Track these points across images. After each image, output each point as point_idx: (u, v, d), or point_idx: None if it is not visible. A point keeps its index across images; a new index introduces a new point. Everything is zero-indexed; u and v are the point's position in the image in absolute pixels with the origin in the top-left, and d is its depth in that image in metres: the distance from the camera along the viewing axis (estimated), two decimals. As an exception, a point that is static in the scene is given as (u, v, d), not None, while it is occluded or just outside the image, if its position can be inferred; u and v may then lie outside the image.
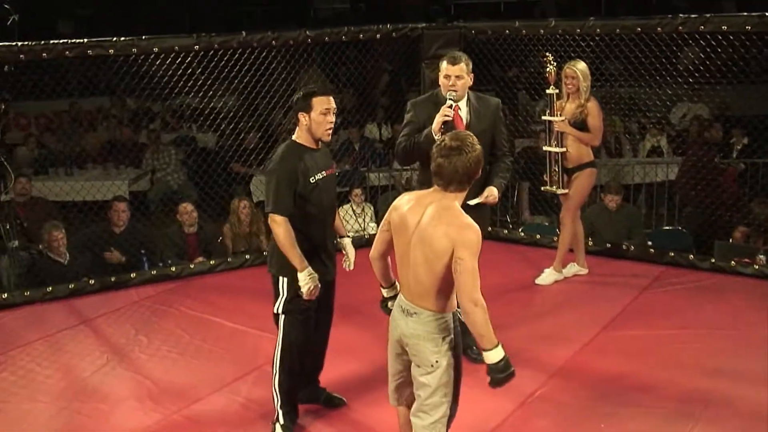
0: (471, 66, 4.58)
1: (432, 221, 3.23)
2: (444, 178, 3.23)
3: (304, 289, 3.92)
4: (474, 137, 3.29)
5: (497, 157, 4.68)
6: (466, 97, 4.59)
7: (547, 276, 6.05)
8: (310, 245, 3.99)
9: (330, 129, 3.99)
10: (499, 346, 3.21)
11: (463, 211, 3.25)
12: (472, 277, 3.14)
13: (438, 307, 3.28)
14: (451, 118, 4.40)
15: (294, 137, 4.02)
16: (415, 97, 5.05)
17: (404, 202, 3.38)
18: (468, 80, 4.55)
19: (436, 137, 4.32)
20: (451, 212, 3.23)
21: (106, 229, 6.88)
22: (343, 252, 4.29)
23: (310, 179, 3.95)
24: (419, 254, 3.26)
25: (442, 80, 4.55)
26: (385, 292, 3.66)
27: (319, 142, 4.02)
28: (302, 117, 3.95)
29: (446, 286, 3.24)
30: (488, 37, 6.89)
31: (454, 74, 4.48)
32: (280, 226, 3.89)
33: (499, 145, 4.69)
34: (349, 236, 4.36)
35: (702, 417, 4.19)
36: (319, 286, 3.96)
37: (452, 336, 3.32)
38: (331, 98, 3.98)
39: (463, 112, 4.58)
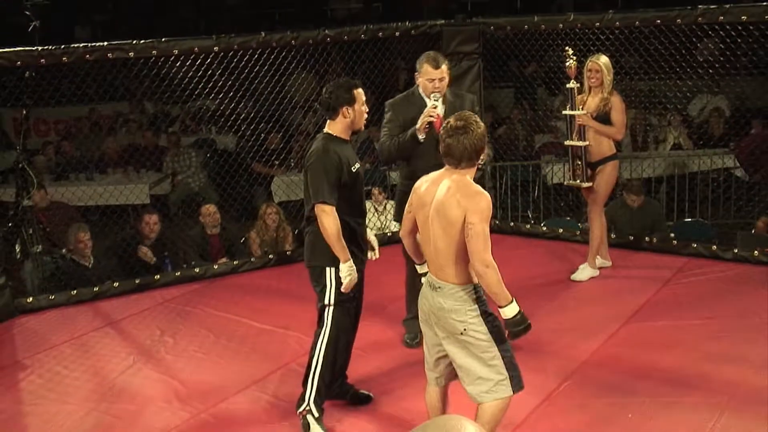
0: (449, 68, 4.74)
1: (446, 193, 3.43)
2: (454, 156, 3.44)
3: (345, 281, 3.99)
4: (476, 116, 3.53)
5: None
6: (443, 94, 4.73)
7: (582, 272, 6.03)
8: (350, 235, 4.06)
9: (365, 120, 4.15)
10: (514, 302, 3.44)
11: (473, 182, 3.46)
12: (483, 240, 3.33)
13: (459, 279, 3.45)
14: (435, 119, 4.53)
15: (328, 130, 4.07)
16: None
17: (422, 182, 3.60)
18: (447, 81, 4.70)
19: (420, 137, 4.53)
20: (462, 183, 3.43)
21: (134, 236, 6.92)
22: (368, 242, 4.32)
23: (352, 168, 4.04)
24: (437, 226, 3.44)
25: (424, 82, 4.68)
26: (419, 269, 3.85)
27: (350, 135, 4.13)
28: (346, 110, 4.01)
29: (464, 254, 3.40)
30: (507, 33, 6.88)
31: (438, 77, 4.64)
32: (329, 216, 3.93)
33: None
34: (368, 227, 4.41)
35: (728, 407, 4.17)
36: (357, 278, 4.04)
37: (477, 306, 3.46)
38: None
39: (440, 109, 4.68)
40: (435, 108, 4.57)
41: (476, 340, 3.46)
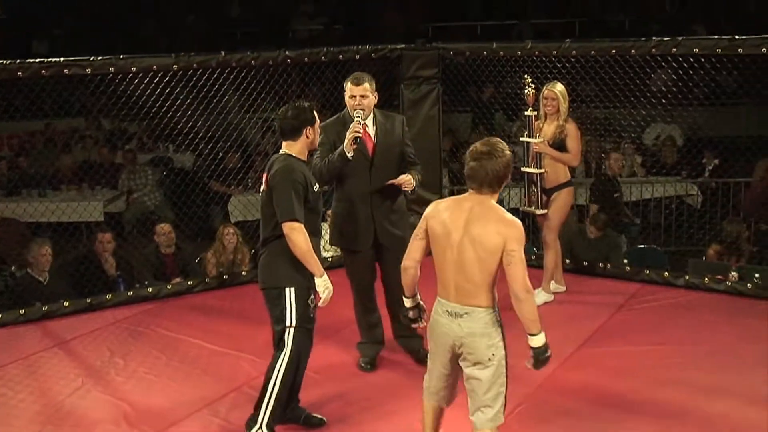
0: (374, 85, 4.79)
1: (480, 221, 3.43)
2: (476, 180, 3.45)
3: (323, 295, 4.03)
4: (503, 143, 3.49)
5: (409, 166, 4.89)
6: (372, 115, 4.80)
7: (537, 297, 6.05)
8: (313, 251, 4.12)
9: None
10: (542, 332, 3.50)
11: (502, 208, 3.49)
12: (523, 267, 3.40)
13: (488, 302, 3.48)
14: (360, 135, 4.59)
15: (288, 151, 4.11)
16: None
17: (441, 209, 3.55)
18: (373, 99, 4.77)
19: (348, 155, 4.59)
20: (494, 211, 3.46)
21: (87, 254, 6.80)
22: None
23: (314, 188, 4.11)
24: (472, 255, 3.43)
25: (348, 100, 4.76)
26: (408, 302, 3.80)
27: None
28: (308, 130, 4.09)
29: (494, 281, 3.48)
30: (466, 58, 6.96)
31: (359, 94, 4.71)
32: (300, 233, 3.97)
33: (408, 158, 4.90)
34: None
35: (680, 433, 4.22)
36: (332, 292, 4.08)
37: (501, 328, 3.53)
38: None
39: (371, 130, 4.77)
40: (359, 125, 4.61)
41: (498, 365, 3.51)
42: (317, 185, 4.16)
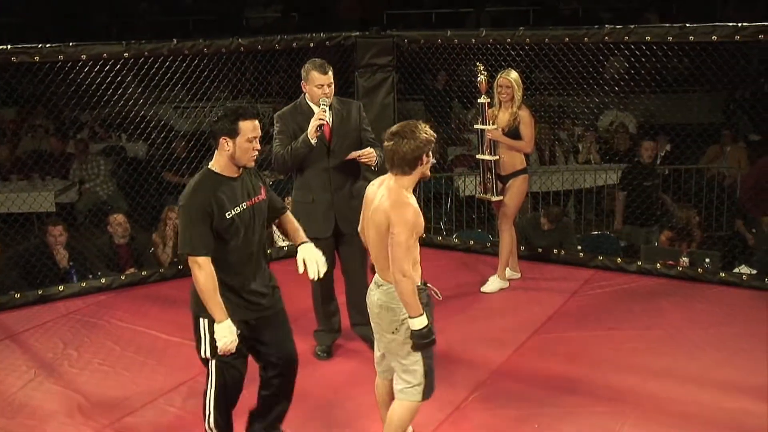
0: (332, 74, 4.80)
1: (379, 202, 3.55)
2: (388, 161, 3.56)
3: (219, 344, 3.53)
4: (420, 126, 3.53)
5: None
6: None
7: (492, 283, 6.12)
8: (232, 287, 3.63)
9: (255, 156, 3.60)
10: (423, 315, 3.51)
11: (405, 192, 3.52)
12: (404, 250, 3.43)
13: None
14: (325, 122, 4.61)
15: (212, 165, 3.60)
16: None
17: (372, 184, 3.71)
18: (334, 87, 4.77)
19: (312, 141, 4.61)
20: (393, 193, 3.52)
21: (38, 246, 6.67)
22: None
23: (226, 214, 3.54)
24: (373, 233, 3.59)
25: (312, 89, 4.72)
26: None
27: (242, 168, 3.63)
28: (225, 142, 3.53)
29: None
30: (421, 46, 6.96)
31: (326, 83, 4.70)
32: (201, 269, 3.50)
33: (367, 143, 4.88)
34: (307, 241, 3.89)
35: (631, 415, 4.30)
36: (237, 340, 3.58)
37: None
38: (257, 122, 3.59)
39: (327, 116, 4.74)
40: (324, 112, 4.62)
41: (404, 342, 3.56)
42: (235, 209, 3.55)
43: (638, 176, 7.89)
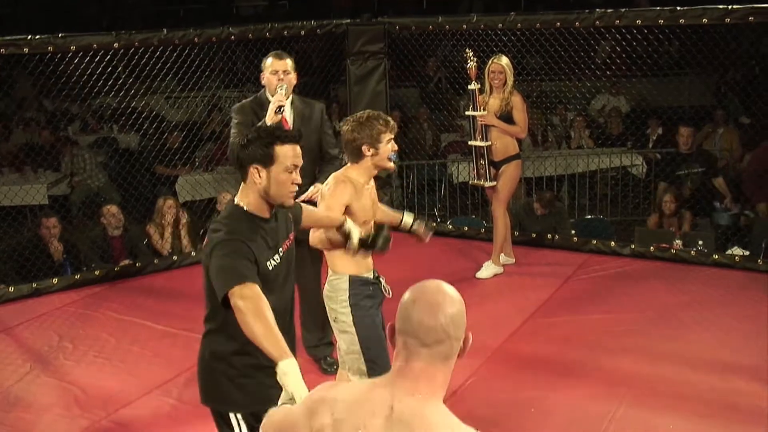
0: (294, 66, 4.65)
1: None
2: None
3: (296, 395, 2.45)
4: (373, 117, 3.56)
5: (326, 159, 4.69)
6: (290, 100, 4.62)
7: (487, 269, 6.13)
8: (257, 364, 2.82)
9: (294, 192, 2.86)
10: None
11: (344, 176, 3.57)
12: (325, 216, 3.50)
13: (338, 269, 3.63)
14: (284, 104, 4.45)
15: (239, 201, 2.85)
16: (326, 96, 5.07)
17: None
18: (294, 77, 4.63)
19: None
20: (335, 176, 3.62)
21: (32, 239, 6.65)
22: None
23: (267, 265, 2.82)
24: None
25: (268, 77, 4.59)
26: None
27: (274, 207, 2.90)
28: (256, 171, 2.79)
29: (336, 244, 3.54)
30: (412, 32, 6.95)
31: (282, 69, 4.57)
32: (251, 298, 2.62)
33: (326, 148, 4.70)
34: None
35: (627, 397, 4.32)
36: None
37: (347, 298, 3.58)
38: (298, 148, 2.85)
39: (288, 114, 4.59)
40: (282, 96, 4.47)
41: (342, 332, 3.63)
42: (274, 258, 2.86)
43: (675, 165, 7.47)
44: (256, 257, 2.74)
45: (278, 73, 4.57)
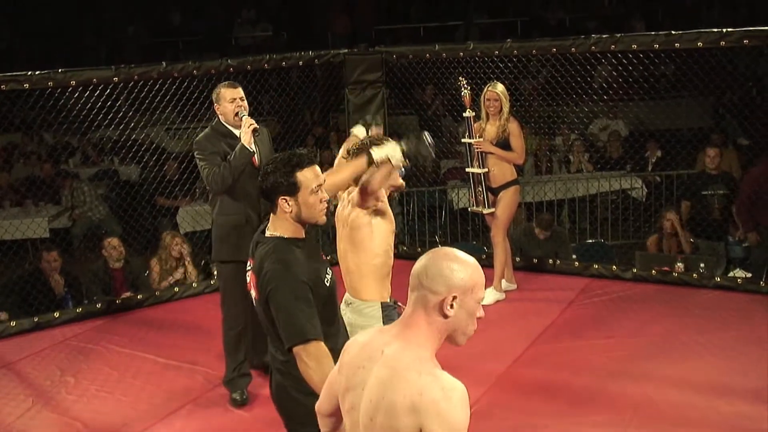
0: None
1: (350, 207, 3.69)
2: None
3: None
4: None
5: None
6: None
7: (489, 295, 6.11)
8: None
9: (325, 208, 2.95)
10: None
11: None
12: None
13: (368, 295, 3.62)
14: (257, 126, 4.57)
15: (277, 231, 2.92)
16: (328, 122, 5.13)
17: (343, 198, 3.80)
18: (246, 104, 4.73)
19: (251, 148, 4.56)
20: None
21: (33, 272, 6.65)
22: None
23: (325, 280, 2.94)
24: (341, 244, 3.73)
25: (226, 105, 4.66)
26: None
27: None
28: (284, 202, 2.87)
29: (372, 270, 3.60)
30: (409, 61, 7.00)
31: (238, 96, 4.68)
32: (319, 360, 2.76)
33: None
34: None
35: (632, 423, 4.29)
36: None
37: (382, 324, 3.51)
38: (317, 167, 2.94)
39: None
40: (251, 120, 4.57)
41: None
42: (327, 272, 2.98)
43: (701, 185, 7.30)
44: (311, 275, 2.84)
45: (236, 101, 4.67)
